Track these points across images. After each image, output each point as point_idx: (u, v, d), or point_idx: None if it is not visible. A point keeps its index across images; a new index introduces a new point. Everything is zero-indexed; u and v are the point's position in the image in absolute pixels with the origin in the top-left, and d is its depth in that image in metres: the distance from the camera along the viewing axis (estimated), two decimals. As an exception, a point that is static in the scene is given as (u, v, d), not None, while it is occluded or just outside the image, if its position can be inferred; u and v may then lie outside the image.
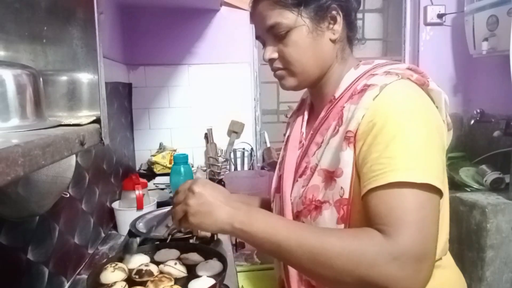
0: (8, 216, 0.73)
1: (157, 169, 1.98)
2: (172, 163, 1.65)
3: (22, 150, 0.35)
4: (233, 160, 2.12)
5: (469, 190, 1.72)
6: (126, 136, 1.93)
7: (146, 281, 0.81)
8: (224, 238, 1.23)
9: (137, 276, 0.84)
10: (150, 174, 1.98)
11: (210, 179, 1.96)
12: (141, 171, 2.06)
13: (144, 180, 1.53)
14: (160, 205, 1.44)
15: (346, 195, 0.69)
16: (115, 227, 1.44)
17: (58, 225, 0.98)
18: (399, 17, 2.31)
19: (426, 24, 2.20)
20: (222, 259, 0.92)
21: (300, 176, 0.80)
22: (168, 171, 1.83)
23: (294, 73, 0.79)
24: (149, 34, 2.03)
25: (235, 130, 2.13)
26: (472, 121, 2.05)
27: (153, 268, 0.86)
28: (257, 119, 2.19)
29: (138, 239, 0.91)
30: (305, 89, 0.91)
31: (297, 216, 0.79)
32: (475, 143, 2.10)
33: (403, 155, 0.62)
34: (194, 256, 0.94)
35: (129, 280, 0.83)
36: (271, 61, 0.80)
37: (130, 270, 0.87)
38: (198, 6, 2.01)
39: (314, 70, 0.79)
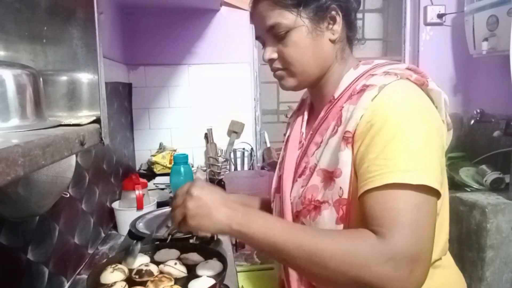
0: (8, 216, 0.73)
1: (157, 169, 1.98)
2: (172, 163, 1.65)
3: (22, 150, 0.35)
4: (233, 160, 2.12)
5: (469, 190, 1.72)
6: (126, 136, 1.93)
7: (146, 281, 0.81)
8: (224, 238, 1.23)
9: (137, 276, 0.84)
10: (150, 174, 1.98)
11: (210, 179, 1.96)
12: (141, 171, 2.06)
13: (144, 180, 1.53)
14: (160, 205, 1.44)
15: (345, 195, 0.69)
16: (115, 227, 1.44)
17: (58, 225, 0.98)
18: (399, 17, 2.31)
19: (426, 24, 2.20)
20: (222, 259, 0.92)
21: (300, 176, 0.80)
22: (168, 171, 1.83)
23: (293, 73, 0.79)
24: (149, 34, 2.03)
25: (235, 130, 2.13)
26: (472, 121, 2.05)
27: (153, 268, 0.86)
28: (257, 119, 2.19)
29: (139, 245, 0.91)
30: (305, 89, 0.91)
31: (296, 216, 0.79)
32: (475, 143, 2.10)
33: (400, 157, 0.62)
34: (194, 256, 0.94)
35: (129, 280, 0.83)
36: (270, 61, 0.80)
37: (130, 270, 0.87)
38: (198, 6, 2.01)
39: (314, 70, 0.79)
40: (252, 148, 2.17)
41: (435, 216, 0.63)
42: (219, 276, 0.85)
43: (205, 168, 2.07)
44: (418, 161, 0.62)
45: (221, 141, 2.12)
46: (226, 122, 2.13)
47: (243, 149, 2.15)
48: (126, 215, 1.35)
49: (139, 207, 1.34)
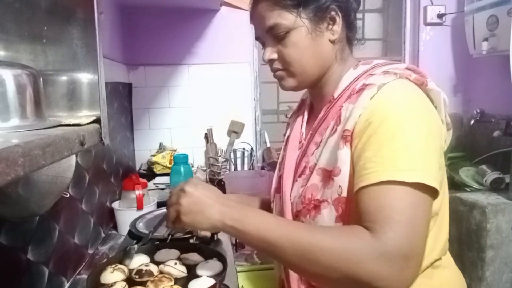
0: (8, 216, 0.73)
1: (157, 169, 1.98)
2: (172, 163, 1.65)
3: (22, 150, 0.35)
4: (233, 160, 2.12)
5: (469, 190, 1.72)
6: (126, 136, 1.93)
7: (146, 281, 0.81)
8: (224, 238, 1.23)
9: (137, 276, 0.84)
10: (150, 174, 1.98)
11: (210, 179, 1.96)
12: (141, 171, 2.06)
13: (144, 180, 1.53)
14: (160, 205, 1.44)
15: (344, 194, 0.69)
16: (115, 227, 1.44)
17: (58, 225, 0.98)
18: (399, 17, 2.31)
19: (426, 24, 2.20)
20: (222, 259, 0.92)
21: (300, 176, 0.80)
22: (168, 171, 1.83)
23: (293, 73, 0.79)
24: (149, 34, 2.03)
25: (235, 130, 2.13)
26: (472, 121, 2.05)
27: (153, 268, 0.86)
28: (257, 119, 2.19)
29: (136, 246, 0.92)
30: (305, 90, 0.91)
31: (296, 216, 0.79)
32: (475, 143, 2.10)
33: (397, 155, 0.62)
34: (194, 256, 0.94)
35: (129, 280, 0.83)
36: (270, 61, 0.81)
37: (130, 270, 0.87)
38: (198, 6, 2.01)
39: (314, 70, 0.79)
40: (252, 148, 2.17)
41: (430, 215, 0.63)
42: (219, 276, 0.85)
43: (205, 168, 2.07)
44: (415, 160, 0.62)
45: (221, 141, 2.12)
46: (226, 122, 2.13)
47: (243, 149, 2.15)
48: (126, 215, 1.35)
49: (139, 207, 1.34)
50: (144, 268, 0.85)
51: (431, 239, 0.74)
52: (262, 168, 2.10)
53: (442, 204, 0.75)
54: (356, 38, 0.85)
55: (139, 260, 0.90)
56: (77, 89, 0.60)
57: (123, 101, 1.88)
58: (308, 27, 0.76)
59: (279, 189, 0.88)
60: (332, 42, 0.78)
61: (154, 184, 1.84)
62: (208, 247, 1.01)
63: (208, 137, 2.10)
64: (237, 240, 1.43)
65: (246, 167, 2.14)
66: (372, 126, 0.65)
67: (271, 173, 1.65)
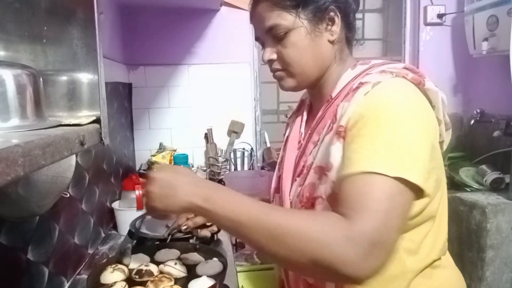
0: (8, 216, 0.73)
1: (157, 169, 1.98)
2: (172, 163, 1.65)
3: (22, 150, 0.35)
4: (233, 160, 2.12)
5: (469, 190, 1.72)
6: (126, 136, 1.93)
7: (146, 281, 0.81)
8: (224, 238, 1.23)
9: (137, 276, 0.84)
10: (150, 174, 1.97)
11: (210, 179, 1.96)
12: (141, 171, 2.05)
13: (144, 180, 1.53)
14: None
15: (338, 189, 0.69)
16: (115, 227, 1.44)
17: (58, 225, 0.98)
18: (399, 17, 2.30)
19: (426, 24, 2.20)
20: (222, 259, 0.92)
21: (299, 176, 0.81)
22: (168, 171, 1.82)
23: (293, 74, 0.80)
24: (149, 34, 2.03)
25: (235, 130, 2.13)
26: (472, 121, 2.05)
27: (153, 268, 0.86)
28: (257, 119, 2.19)
29: (130, 246, 0.92)
30: (305, 90, 0.91)
31: (296, 215, 0.79)
32: (475, 143, 2.10)
33: (383, 148, 0.62)
34: (194, 256, 0.94)
35: (129, 280, 0.83)
36: (270, 62, 0.81)
37: (130, 270, 0.87)
38: (198, 6, 2.01)
39: (313, 71, 0.79)
40: (252, 148, 2.17)
41: (407, 210, 0.63)
42: (219, 276, 0.85)
43: (205, 168, 2.07)
44: (401, 155, 0.62)
45: (221, 141, 2.12)
46: (226, 122, 2.13)
47: (243, 149, 2.15)
48: (126, 215, 1.35)
49: (139, 207, 1.34)
50: (144, 268, 0.85)
51: (430, 239, 0.74)
52: (262, 168, 2.10)
53: (440, 204, 0.75)
54: (355, 38, 0.85)
55: (139, 260, 0.90)
56: (77, 89, 0.60)
57: (123, 101, 1.88)
58: (307, 28, 0.76)
59: (278, 189, 0.88)
60: (331, 42, 0.79)
61: (154, 184, 1.83)
62: (208, 247, 1.01)
63: (208, 137, 2.10)
64: (237, 240, 1.43)
65: (246, 167, 2.14)
66: (363, 120, 0.66)
67: (271, 173, 1.65)
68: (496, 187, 1.66)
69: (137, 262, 0.90)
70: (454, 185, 1.75)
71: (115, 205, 1.41)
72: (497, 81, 1.96)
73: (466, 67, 2.20)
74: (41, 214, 0.81)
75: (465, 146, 2.12)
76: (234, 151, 2.13)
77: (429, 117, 0.69)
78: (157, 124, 2.10)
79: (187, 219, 1.14)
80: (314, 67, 0.79)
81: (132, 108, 2.05)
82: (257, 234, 0.62)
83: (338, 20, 0.77)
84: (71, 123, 0.52)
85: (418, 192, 0.63)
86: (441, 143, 0.78)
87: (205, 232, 1.15)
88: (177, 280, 0.83)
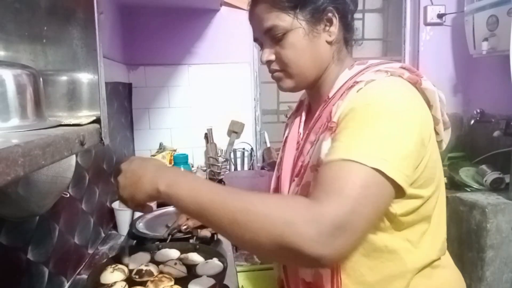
0: (8, 216, 0.73)
1: (157, 169, 1.97)
2: (172, 163, 1.65)
3: (22, 150, 0.35)
4: (233, 160, 2.12)
5: (469, 190, 1.72)
6: (126, 136, 1.93)
7: (146, 281, 0.81)
8: (224, 238, 1.23)
9: (137, 276, 0.84)
10: (150, 174, 1.97)
11: (210, 179, 1.96)
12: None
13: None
14: (160, 205, 1.44)
15: None
16: (115, 227, 1.44)
17: (58, 225, 0.98)
18: (399, 17, 2.30)
19: (426, 24, 2.20)
20: (222, 259, 0.92)
21: (297, 176, 0.81)
22: (168, 171, 1.82)
23: (291, 75, 0.80)
24: (149, 34, 2.03)
25: (235, 130, 2.13)
26: (472, 121, 2.04)
27: (153, 268, 0.87)
28: (257, 119, 2.20)
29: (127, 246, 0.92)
30: (303, 90, 0.91)
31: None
32: (475, 143, 2.10)
33: (366, 140, 0.62)
34: (194, 256, 0.94)
35: (129, 280, 0.83)
36: (268, 63, 0.81)
37: (130, 270, 0.87)
38: (198, 6, 2.01)
39: (311, 71, 0.80)
40: (252, 148, 2.17)
41: (383, 203, 0.62)
42: (219, 276, 0.85)
43: (205, 168, 2.07)
44: (382, 148, 0.61)
45: (221, 141, 2.12)
46: (226, 122, 2.13)
47: (243, 149, 2.15)
48: (126, 215, 1.35)
49: (139, 207, 1.34)
50: (144, 268, 0.85)
51: (428, 239, 0.74)
52: (262, 168, 2.10)
53: (437, 204, 0.75)
54: (354, 39, 0.85)
55: (141, 259, 0.90)
56: (77, 89, 0.60)
57: (123, 101, 1.88)
58: (305, 29, 0.76)
59: (277, 189, 0.88)
60: (329, 43, 0.79)
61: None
62: (208, 247, 1.01)
63: (208, 137, 2.10)
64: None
65: (246, 167, 2.14)
66: (352, 113, 0.66)
67: (271, 173, 1.65)
68: (496, 187, 1.65)
69: (137, 261, 0.90)
70: (454, 185, 1.74)
71: (115, 205, 1.41)
72: (497, 81, 1.96)
73: (466, 67, 2.20)
74: (41, 214, 0.81)
75: (465, 146, 2.12)
76: (234, 151, 2.13)
77: (421, 115, 0.69)
78: (157, 124, 2.10)
79: (187, 219, 1.14)
80: (313, 68, 0.79)
81: (132, 108, 2.05)
82: (221, 217, 0.61)
83: (336, 21, 0.77)
84: (71, 123, 0.52)
85: (399, 189, 0.62)
86: (440, 142, 0.78)
87: (205, 232, 1.15)
88: (177, 280, 0.83)
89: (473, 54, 1.97)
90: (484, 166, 1.74)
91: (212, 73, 2.10)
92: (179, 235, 1.13)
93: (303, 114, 0.90)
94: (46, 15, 0.57)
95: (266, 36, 0.79)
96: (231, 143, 2.13)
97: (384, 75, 0.71)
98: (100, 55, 0.56)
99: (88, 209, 1.21)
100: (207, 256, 0.94)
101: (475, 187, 1.73)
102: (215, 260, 0.92)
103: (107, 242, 1.34)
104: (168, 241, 1.07)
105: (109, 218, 1.45)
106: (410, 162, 0.64)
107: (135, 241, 1.17)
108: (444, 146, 0.80)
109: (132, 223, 1.24)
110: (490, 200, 1.54)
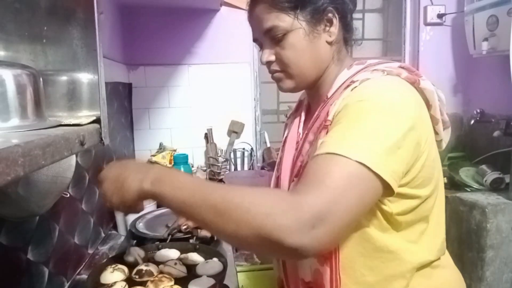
0: (8, 216, 0.73)
1: (157, 169, 1.97)
2: (172, 163, 1.65)
3: (22, 150, 0.35)
4: (233, 160, 2.12)
5: (469, 190, 1.72)
6: (126, 136, 1.93)
7: (146, 281, 0.81)
8: (224, 238, 1.23)
9: (137, 276, 0.84)
10: (150, 174, 1.97)
11: (210, 179, 1.96)
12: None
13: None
14: (160, 205, 1.44)
15: None
16: (115, 227, 1.44)
17: (58, 225, 0.98)
18: (399, 17, 2.30)
19: (426, 24, 2.20)
20: (222, 259, 0.92)
21: (296, 176, 0.81)
22: (168, 171, 1.82)
23: (291, 75, 0.80)
24: (149, 34, 2.03)
25: (235, 130, 2.13)
26: (472, 121, 2.05)
27: (153, 268, 0.86)
28: (257, 119, 2.20)
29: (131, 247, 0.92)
30: (303, 90, 0.91)
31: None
32: (475, 143, 2.10)
33: (354, 135, 0.62)
34: (194, 256, 0.94)
35: (129, 280, 0.83)
36: (268, 63, 0.81)
37: (130, 270, 0.87)
38: (198, 6, 2.01)
39: (311, 72, 0.80)
40: (252, 148, 2.17)
41: (368, 198, 0.62)
42: (219, 276, 0.85)
43: (205, 168, 2.07)
44: (369, 143, 0.61)
45: (221, 141, 2.12)
46: (226, 122, 2.13)
47: (243, 149, 2.15)
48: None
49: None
50: (144, 268, 0.86)
51: (427, 238, 0.74)
52: (262, 168, 2.10)
53: (436, 203, 0.75)
54: (353, 38, 0.85)
55: (170, 255, 0.92)
56: (77, 89, 0.60)
57: (123, 101, 1.88)
58: (305, 29, 0.76)
59: (277, 189, 0.88)
60: (329, 43, 0.79)
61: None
62: (208, 247, 1.01)
63: (208, 137, 2.10)
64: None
65: (246, 167, 2.14)
66: (344, 110, 0.67)
67: (271, 173, 1.65)
68: (496, 187, 1.65)
69: (166, 256, 0.91)
70: (454, 185, 1.74)
71: (115, 205, 1.41)
72: (497, 81, 1.96)
73: (466, 67, 2.20)
74: (41, 214, 0.81)
75: (465, 146, 2.12)
76: (234, 151, 2.13)
77: (416, 113, 0.68)
78: (157, 124, 2.10)
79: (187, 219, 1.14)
80: (313, 68, 0.79)
81: (132, 108, 2.05)
82: (204, 212, 0.61)
83: (336, 21, 0.77)
84: (71, 123, 0.52)
85: (387, 185, 0.62)
86: (439, 141, 0.78)
87: (205, 232, 1.15)
88: (177, 280, 0.83)
89: (473, 54, 1.98)
90: (484, 166, 1.74)
91: (212, 73, 2.10)
92: (179, 235, 1.13)
93: (303, 114, 0.91)
94: (46, 15, 0.57)
95: (266, 37, 0.79)
96: (231, 143, 2.13)
97: (380, 74, 0.71)
98: (100, 55, 0.56)
99: (88, 209, 1.21)
100: (207, 256, 0.94)
101: (475, 187, 1.73)
102: (215, 260, 0.92)
103: (107, 242, 1.34)
104: (168, 241, 1.07)
105: (109, 218, 1.45)
106: (399, 158, 0.63)
107: (135, 241, 1.17)
108: (444, 145, 0.80)
109: (132, 223, 1.24)
110: (490, 200, 1.54)
